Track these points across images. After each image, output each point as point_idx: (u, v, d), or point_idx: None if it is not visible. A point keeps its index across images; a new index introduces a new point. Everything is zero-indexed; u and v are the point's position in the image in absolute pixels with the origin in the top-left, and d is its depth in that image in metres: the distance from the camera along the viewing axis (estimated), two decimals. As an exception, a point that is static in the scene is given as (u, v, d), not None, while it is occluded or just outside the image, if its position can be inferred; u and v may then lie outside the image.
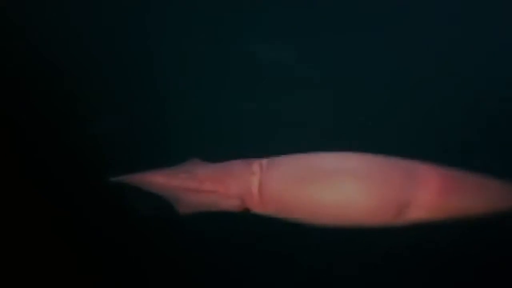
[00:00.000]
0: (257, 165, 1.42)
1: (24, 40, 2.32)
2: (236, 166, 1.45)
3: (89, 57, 2.25)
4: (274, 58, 2.15)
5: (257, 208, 1.40)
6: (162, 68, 2.19)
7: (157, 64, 2.20)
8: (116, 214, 1.79)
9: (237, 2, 2.31)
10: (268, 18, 2.31)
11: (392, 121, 1.76)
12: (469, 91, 1.79)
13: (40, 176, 1.91)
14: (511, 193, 1.29)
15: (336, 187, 1.29)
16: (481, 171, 1.31)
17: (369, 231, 1.31)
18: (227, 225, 1.58)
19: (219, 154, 1.55)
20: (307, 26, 2.23)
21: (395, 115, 1.78)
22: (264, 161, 1.44)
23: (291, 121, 1.92)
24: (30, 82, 2.21)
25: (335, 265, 1.65)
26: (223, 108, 2.04)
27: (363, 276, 1.62)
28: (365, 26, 2.19)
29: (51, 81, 2.20)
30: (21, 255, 1.71)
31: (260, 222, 1.47)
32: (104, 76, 2.20)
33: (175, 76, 2.17)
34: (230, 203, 1.41)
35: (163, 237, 1.75)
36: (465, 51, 1.97)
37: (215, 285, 1.77)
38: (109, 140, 2.02)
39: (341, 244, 1.54)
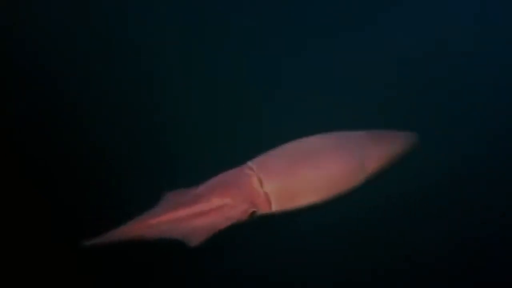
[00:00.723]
0: (246, 168, 1.54)
1: (24, 40, 2.33)
2: (231, 175, 1.53)
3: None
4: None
5: (263, 206, 1.48)
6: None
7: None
8: (116, 214, 1.78)
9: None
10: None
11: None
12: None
13: (40, 176, 1.91)
14: (410, 140, 1.78)
15: (321, 163, 1.56)
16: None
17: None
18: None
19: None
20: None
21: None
22: (250, 163, 1.56)
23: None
24: (30, 83, 2.22)
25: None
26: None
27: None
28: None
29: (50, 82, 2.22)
30: (21, 255, 1.71)
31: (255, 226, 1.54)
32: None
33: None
34: (241, 210, 1.45)
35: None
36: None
37: (214, 286, 1.78)
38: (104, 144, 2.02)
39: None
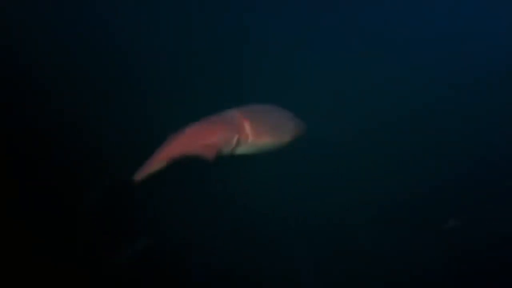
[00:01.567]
0: (232, 112, 2.24)
1: (23, 41, 2.35)
2: (222, 115, 2.22)
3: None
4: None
5: (244, 136, 2.18)
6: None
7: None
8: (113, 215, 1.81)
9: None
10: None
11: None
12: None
13: (34, 176, 1.96)
14: (301, 125, 2.50)
15: (275, 118, 2.38)
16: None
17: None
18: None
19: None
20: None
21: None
22: (229, 110, 2.25)
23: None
24: (29, 83, 2.25)
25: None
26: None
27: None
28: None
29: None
30: (20, 253, 1.73)
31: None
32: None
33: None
34: (232, 135, 2.12)
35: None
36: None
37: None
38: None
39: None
